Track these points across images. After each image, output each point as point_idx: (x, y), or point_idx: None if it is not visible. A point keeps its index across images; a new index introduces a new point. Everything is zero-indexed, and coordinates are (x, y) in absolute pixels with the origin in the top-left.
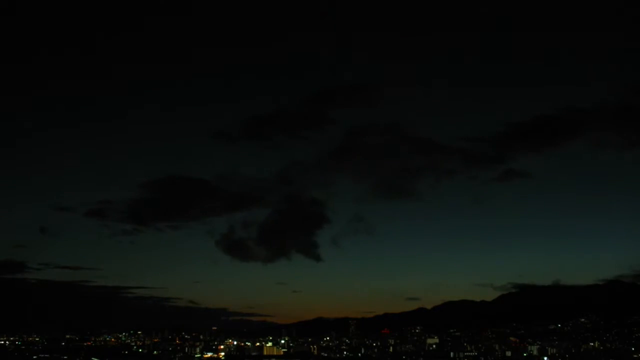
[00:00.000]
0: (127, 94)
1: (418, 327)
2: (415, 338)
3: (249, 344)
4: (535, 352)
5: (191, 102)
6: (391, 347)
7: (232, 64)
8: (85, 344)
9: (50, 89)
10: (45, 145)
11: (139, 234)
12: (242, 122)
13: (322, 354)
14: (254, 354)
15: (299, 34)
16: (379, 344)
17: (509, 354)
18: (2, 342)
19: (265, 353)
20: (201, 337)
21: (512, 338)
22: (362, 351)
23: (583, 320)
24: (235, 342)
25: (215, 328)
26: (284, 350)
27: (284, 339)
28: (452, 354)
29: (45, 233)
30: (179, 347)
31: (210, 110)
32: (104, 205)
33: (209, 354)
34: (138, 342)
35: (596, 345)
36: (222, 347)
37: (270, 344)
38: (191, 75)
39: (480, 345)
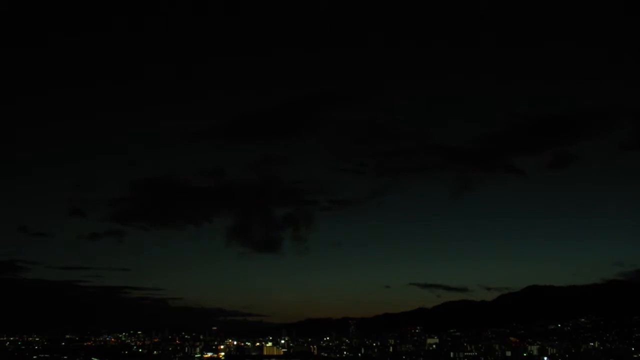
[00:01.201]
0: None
1: (418, 327)
2: (415, 338)
3: (249, 344)
4: (535, 352)
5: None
6: (391, 347)
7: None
8: (85, 344)
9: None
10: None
11: (125, 234)
12: (224, 122)
13: (322, 354)
14: (254, 354)
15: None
16: (379, 344)
17: (509, 354)
18: (2, 342)
19: (265, 353)
20: (201, 337)
21: (512, 338)
22: (362, 351)
23: (583, 320)
24: (235, 342)
25: (215, 328)
26: (284, 350)
27: (284, 339)
28: (452, 354)
29: (26, 232)
30: (179, 347)
31: (191, 111)
32: (88, 205)
33: (209, 354)
34: (138, 342)
35: (596, 345)
36: (222, 347)
37: (270, 344)
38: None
39: (480, 345)
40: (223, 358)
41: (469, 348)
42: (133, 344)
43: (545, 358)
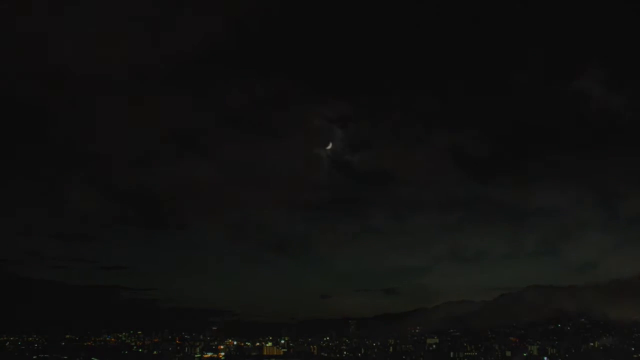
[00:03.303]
0: None
1: (418, 327)
2: (415, 338)
3: (249, 344)
4: (535, 352)
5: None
6: (391, 347)
7: None
8: (85, 344)
9: None
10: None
11: (114, 234)
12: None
13: (322, 354)
14: (254, 354)
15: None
16: (379, 344)
17: (509, 354)
18: (2, 342)
19: (265, 353)
20: (201, 337)
21: (512, 338)
22: (362, 351)
23: (583, 320)
24: (235, 342)
25: (215, 328)
26: (284, 350)
27: (284, 339)
28: (452, 354)
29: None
30: (179, 347)
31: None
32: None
33: (209, 354)
34: (138, 342)
35: (596, 345)
36: (222, 347)
37: (270, 344)
38: None
39: (480, 345)
40: (223, 358)
41: (469, 348)
42: (133, 344)
43: (545, 358)
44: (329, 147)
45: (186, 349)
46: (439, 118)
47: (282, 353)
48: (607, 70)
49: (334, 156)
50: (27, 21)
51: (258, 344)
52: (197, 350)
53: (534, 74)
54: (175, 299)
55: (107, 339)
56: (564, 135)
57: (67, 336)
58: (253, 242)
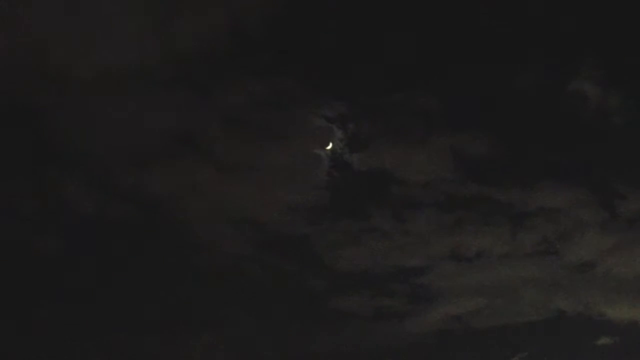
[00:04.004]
0: None
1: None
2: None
3: None
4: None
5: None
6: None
7: None
8: None
9: None
10: None
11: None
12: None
13: None
14: None
15: None
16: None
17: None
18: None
19: None
20: None
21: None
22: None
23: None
24: None
25: None
26: None
27: None
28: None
29: None
30: None
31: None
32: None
33: None
34: None
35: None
36: None
37: None
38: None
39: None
40: None
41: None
42: None
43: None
44: (329, 147)
45: None
46: (439, 118)
47: None
48: (606, 69)
49: (334, 156)
50: (27, 21)
51: None
52: None
53: (534, 74)
54: (174, 299)
55: None
56: (563, 135)
57: None
58: (252, 242)
